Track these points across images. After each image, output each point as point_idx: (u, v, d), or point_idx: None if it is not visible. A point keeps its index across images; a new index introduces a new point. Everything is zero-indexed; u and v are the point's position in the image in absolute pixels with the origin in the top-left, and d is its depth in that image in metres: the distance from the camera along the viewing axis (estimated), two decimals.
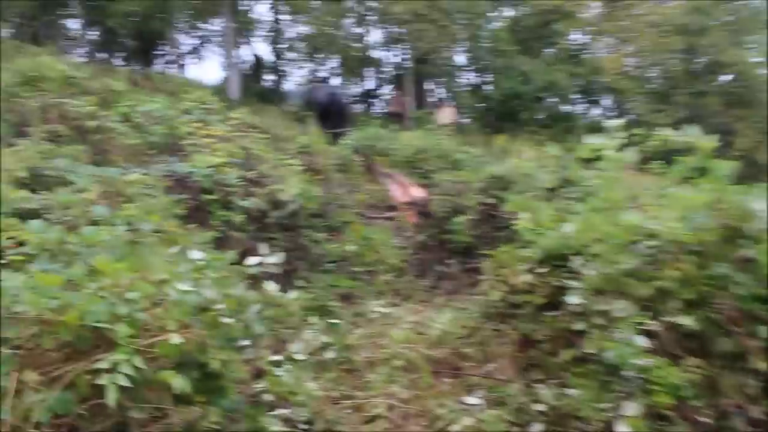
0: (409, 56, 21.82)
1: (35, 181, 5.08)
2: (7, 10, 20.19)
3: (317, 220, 6.12)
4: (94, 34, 25.39)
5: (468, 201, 6.90)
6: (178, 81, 16.30)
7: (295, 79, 23.85)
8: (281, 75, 23.49)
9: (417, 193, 8.36)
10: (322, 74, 23.43)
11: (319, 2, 23.30)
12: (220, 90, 18.66)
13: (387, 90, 25.36)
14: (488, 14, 23.44)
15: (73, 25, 24.97)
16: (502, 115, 22.29)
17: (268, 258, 3.50)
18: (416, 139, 11.03)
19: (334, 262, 5.82)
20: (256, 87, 22.27)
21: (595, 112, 26.19)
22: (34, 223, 3.61)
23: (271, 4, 23.99)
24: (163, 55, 23.59)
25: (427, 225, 7.28)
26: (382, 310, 5.10)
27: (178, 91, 12.77)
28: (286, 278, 3.63)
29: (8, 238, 3.39)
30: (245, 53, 24.62)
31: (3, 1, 18.98)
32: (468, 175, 7.79)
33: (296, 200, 5.80)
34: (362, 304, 5.22)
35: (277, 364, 3.41)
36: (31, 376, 2.55)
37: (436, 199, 7.41)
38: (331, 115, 13.18)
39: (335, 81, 23.60)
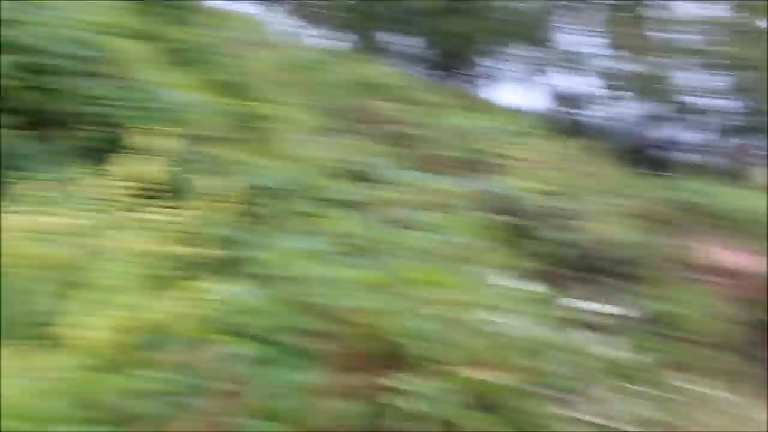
0: (754, 107, 19.45)
1: (349, 175, 5.10)
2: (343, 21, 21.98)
3: (629, 268, 5.41)
4: (410, 48, 26.54)
5: None
6: (491, 102, 16.19)
7: (613, 116, 22.65)
8: (598, 110, 22.50)
9: (744, 261, 7.18)
10: (645, 115, 22.07)
11: (653, 39, 21.82)
12: (531, 117, 18.41)
13: (719, 141, 23.03)
14: None
15: (392, 38, 26.33)
16: None
17: (597, 305, 2.97)
18: (749, 199, 9.61)
19: (645, 320, 5.06)
20: (568, 119, 21.68)
21: None
22: (348, 215, 3.50)
23: (595, 35, 23.09)
24: (470, 75, 23.89)
25: (757, 302, 6.14)
26: (707, 392, 4.26)
27: (491, 111, 12.71)
28: (595, 328, 3.11)
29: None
30: (558, 83, 24.19)
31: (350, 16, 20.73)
32: None
33: (615, 243, 5.17)
34: (675, 377, 4.42)
35: (583, 425, 2.86)
36: (321, 378, 2.31)
37: None
38: (651, 159, 12.22)
39: (660, 123, 22.10)
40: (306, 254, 2.57)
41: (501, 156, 7.09)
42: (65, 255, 2.57)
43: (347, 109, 7.89)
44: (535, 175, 6.28)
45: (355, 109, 7.94)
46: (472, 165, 7.05)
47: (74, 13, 4.44)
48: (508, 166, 6.70)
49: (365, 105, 8.12)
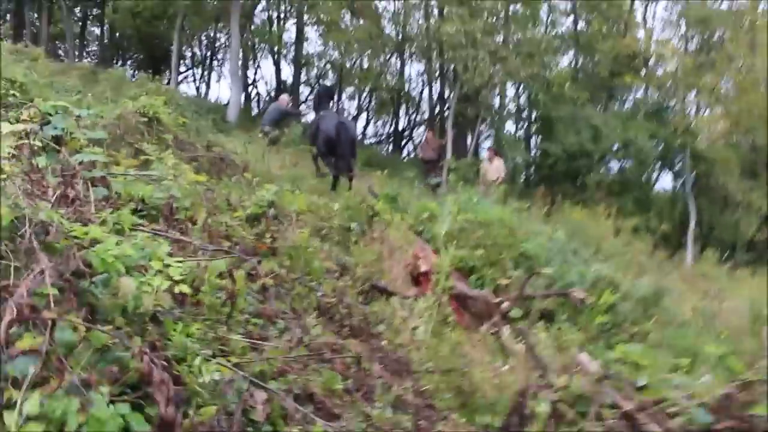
0: (454, 93, 17.83)
1: None
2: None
3: None
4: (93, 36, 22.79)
5: None
6: (156, 88, 12.21)
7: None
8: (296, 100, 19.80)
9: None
10: (345, 106, 19.76)
11: (354, 24, 19.75)
12: (216, 110, 15.04)
13: (420, 131, 21.64)
14: (554, 56, 19.48)
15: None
16: (559, 174, 18.23)
17: None
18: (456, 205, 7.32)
19: None
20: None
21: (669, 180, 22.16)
22: None
23: (293, 18, 20.41)
24: (170, 65, 20.09)
25: None
26: None
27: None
28: None
29: None
30: (258, 72, 21.10)
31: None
32: None
33: None
34: None
35: None
36: None
37: None
38: (339, 150, 9.48)
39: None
40: None
41: None
42: None
43: None
44: None
45: None
46: None
47: None
48: None
49: None
